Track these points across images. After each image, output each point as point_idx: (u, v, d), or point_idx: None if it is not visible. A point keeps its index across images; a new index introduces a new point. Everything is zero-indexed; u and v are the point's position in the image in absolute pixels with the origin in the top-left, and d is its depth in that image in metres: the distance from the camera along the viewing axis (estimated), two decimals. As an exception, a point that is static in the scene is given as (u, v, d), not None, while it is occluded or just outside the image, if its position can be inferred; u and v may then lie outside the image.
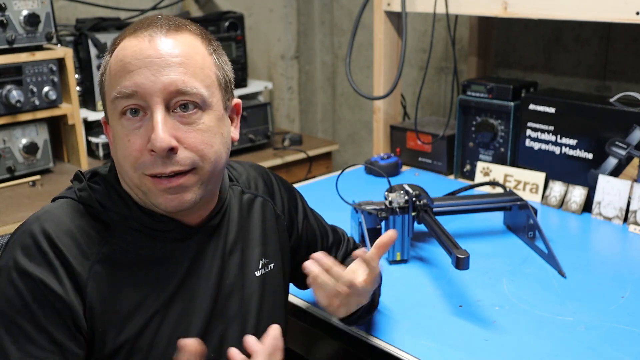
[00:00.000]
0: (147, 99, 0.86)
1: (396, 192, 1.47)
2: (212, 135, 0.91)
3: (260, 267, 1.06)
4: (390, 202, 1.45)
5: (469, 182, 1.98)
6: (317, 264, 1.00)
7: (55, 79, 2.08)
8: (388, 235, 1.05)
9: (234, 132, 0.99)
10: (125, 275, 0.92)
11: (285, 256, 1.12)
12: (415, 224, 1.47)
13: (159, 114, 0.86)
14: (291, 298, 1.33)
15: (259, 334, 1.02)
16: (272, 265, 1.08)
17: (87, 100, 2.33)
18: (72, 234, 0.90)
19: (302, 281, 1.21)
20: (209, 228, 1.00)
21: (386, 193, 1.49)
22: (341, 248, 1.27)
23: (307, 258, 1.14)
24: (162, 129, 0.85)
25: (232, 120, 0.99)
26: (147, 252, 0.94)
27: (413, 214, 1.45)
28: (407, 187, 1.48)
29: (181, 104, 0.88)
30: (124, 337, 0.90)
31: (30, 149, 2.08)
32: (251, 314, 1.03)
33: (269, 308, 1.06)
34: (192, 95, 0.88)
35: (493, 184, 1.86)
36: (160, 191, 0.88)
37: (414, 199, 1.45)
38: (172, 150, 0.86)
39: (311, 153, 2.60)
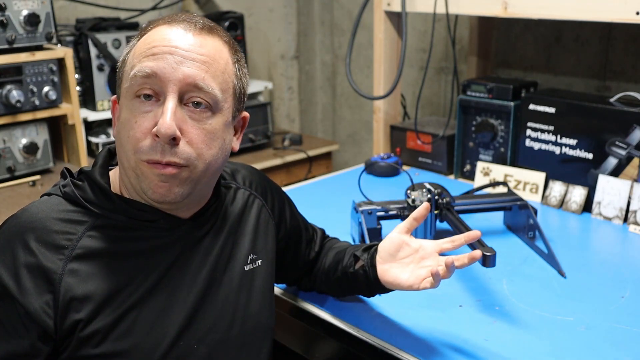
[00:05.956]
0: (164, 84, 0.89)
1: (418, 191, 1.48)
2: (215, 138, 0.93)
3: (248, 262, 1.08)
4: (413, 201, 1.45)
5: (469, 182, 1.98)
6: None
7: (55, 79, 2.08)
8: (425, 207, 1.13)
9: (235, 143, 1.02)
10: (105, 265, 0.92)
11: (273, 254, 1.14)
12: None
13: (171, 102, 0.89)
14: (291, 298, 1.33)
15: (246, 327, 1.03)
16: (259, 261, 1.10)
17: (87, 100, 2.33)
18: (46, 231, 0.91)
19: (287, 276, 1.30)
20: (197, 222, 1.01)
21: (408, 191, 1.50)
22: (317, 237, 1.31)
23: (293, 252, 1.23)
24: (171, 116, 0.88)
25: (236, 131, 1.02)
26: (130, 243, 0.95)
27: (435, 212, 1.46)
28: (428, 186, 1.48)
29: (194, 100, 0.90)
30: (99, 325, 0.90)
31: (30, 149, 2.08)
32: (239, 308, 1.04)
33: (256, 303, 1.07)
34: (207, 93, 0.91)
35: (499, 183, 1.86)
36: (154, 175, 0.90)
37: (436, 197, 1.45)
38: (174, 140, 0.88)
39: (311, 153, 2.60)
